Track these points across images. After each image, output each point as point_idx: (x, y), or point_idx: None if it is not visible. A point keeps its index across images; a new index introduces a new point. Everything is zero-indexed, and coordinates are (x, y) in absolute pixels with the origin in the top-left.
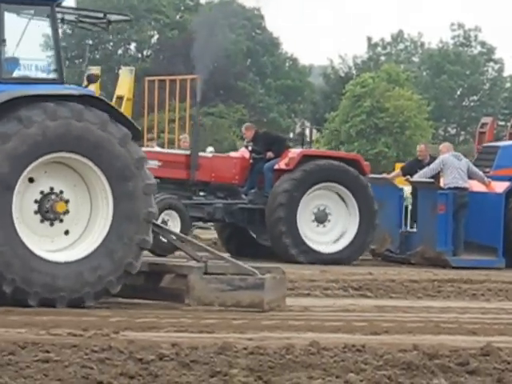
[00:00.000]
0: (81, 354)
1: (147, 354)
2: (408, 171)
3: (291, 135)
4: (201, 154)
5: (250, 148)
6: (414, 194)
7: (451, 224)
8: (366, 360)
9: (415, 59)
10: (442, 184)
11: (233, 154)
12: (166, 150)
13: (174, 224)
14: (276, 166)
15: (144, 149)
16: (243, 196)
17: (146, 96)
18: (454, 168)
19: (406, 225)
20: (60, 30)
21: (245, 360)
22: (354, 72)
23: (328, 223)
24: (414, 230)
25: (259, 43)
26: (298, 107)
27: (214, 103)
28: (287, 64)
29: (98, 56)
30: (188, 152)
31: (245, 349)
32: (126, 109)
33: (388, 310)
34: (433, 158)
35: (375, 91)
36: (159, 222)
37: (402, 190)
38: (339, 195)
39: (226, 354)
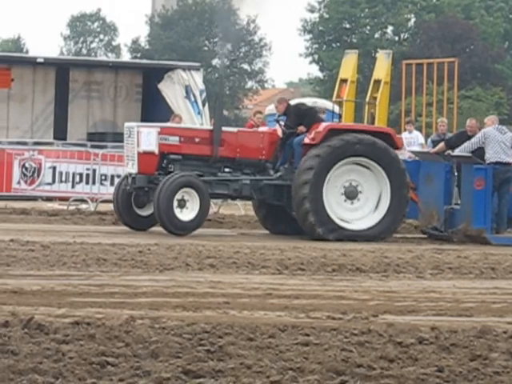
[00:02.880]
0: (340, 337)
1: (407, 338)
2: (453, 145)
3: None
4: (225, 128)
5: (281, 122)
6: (458, 168)
7: (490, 200)
8: None
9: None
10: None
11: (261, 128)
12: (186, 126)
13: (193, 202)
14: (305, 140)
15: (176, 125)
16: (271, 172)
17: (404, 79)
18: (496, 142)
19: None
20: (316, 15)
21: (505, 344)
22: None
23: (360, 197)
24: (458, 206)
25: None
26: None
27: (472, 86)
28: None
29: (354, 40)
30: (211, 127)
31: (505, 332)
32: (383, 92)
33: None
34: None
35: None
36: (176, 199)
37: (449, 165)
38: (369, 169)
39: (485, 337)
